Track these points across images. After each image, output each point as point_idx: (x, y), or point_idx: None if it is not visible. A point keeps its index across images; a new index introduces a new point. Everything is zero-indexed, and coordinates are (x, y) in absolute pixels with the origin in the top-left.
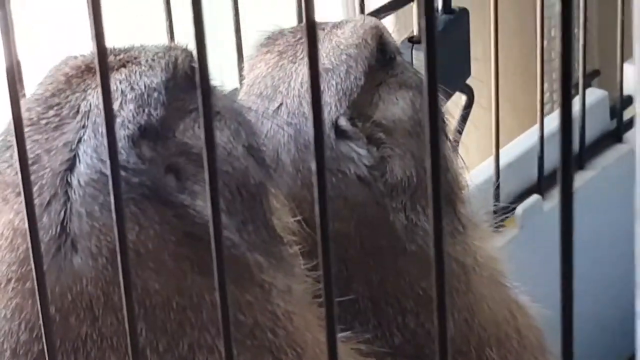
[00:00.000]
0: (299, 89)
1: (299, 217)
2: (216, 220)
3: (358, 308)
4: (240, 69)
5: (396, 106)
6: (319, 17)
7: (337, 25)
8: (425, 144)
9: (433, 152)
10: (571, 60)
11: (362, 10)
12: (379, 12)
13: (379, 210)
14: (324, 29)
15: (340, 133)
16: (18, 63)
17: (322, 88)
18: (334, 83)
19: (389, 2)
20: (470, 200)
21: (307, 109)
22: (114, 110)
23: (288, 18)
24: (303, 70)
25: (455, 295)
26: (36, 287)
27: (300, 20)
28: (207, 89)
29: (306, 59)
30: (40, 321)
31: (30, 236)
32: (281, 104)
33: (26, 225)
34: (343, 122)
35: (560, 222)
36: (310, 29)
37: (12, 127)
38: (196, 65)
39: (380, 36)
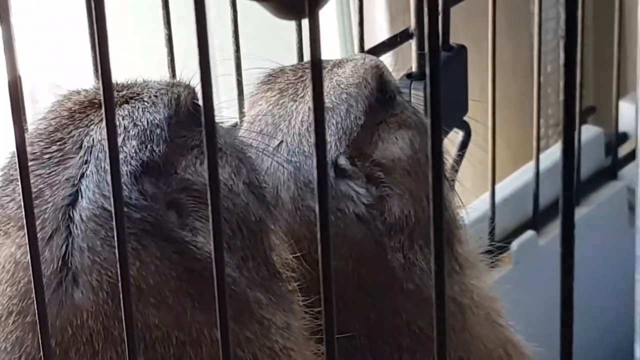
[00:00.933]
0: (299, 127)
1: (297, 254)
2: (219, 258)
3: (355, 345)
4: (241, 104)
5: (395, 145)
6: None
7: (337, 64)
8: (424, 183)
9: (435, 188)
10: (575, 84)
11: (361, 48)
12: (377, 50)
13: (377, 249)
14: (324, 67)
15: (339, 172)
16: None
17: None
18: (334, 122)
19: (387, 40)
20: (467, 238)
21: (307, 147)
22: (118, 146)
23: (289, 54)
24: (304, 108)
25: (452, 333)
26: (38, 321)
27: (300, 57)
28: (212, 127)
29: (307, 97)
30: (41, 354)
31: (33, 270)
32: (282, 142)
33: (28, 259)
34: (342, 161)
35: (561, 259)
36: (316, 68)
37: (15, 160)
38: (199, 102)
39: (381, 75)
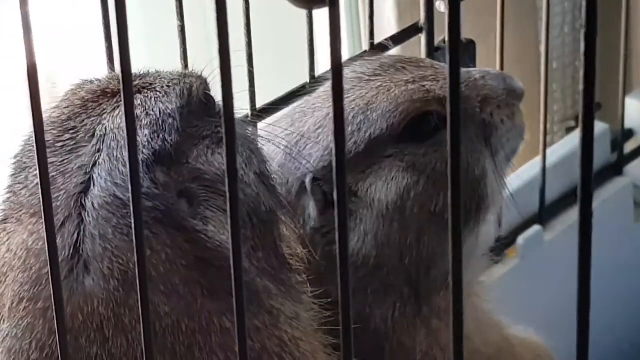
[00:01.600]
0: (308, 127)
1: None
2: (236, 249)
3: None
4: (252, 96)
5: (385, 186)
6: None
7: (401, 81)
8: (398, 233)
9: (454, 180)
10: (594, 74)
11: (370, 42)
12: (387, 44)
13: (325, 272)
14: (403, 70)
15: (302, 189)
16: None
17: (321, 138)
18: (332, 138)
19: (396, 34)
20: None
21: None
22: (136, 134)
23: (300, 46)
24: (324, 112)
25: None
26: (54, 307)
27: (311, 49)
28: (231, 114)
29: (353, 95)
30: (52, 340)
31: (49, 257)
32: (283, 203)
33: (40, 245)
34: (307, 180)
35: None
36: (336, 58)
37: (27, 148)
38: (210, 92)
39: (425, 112)
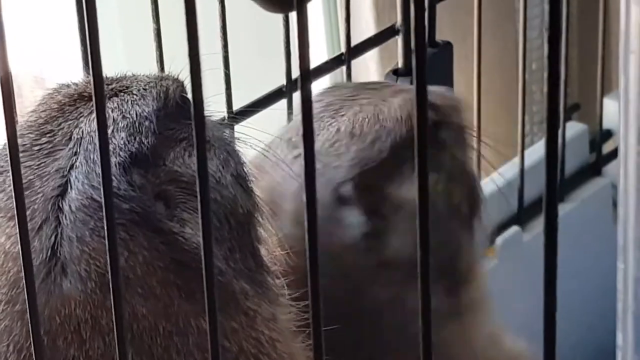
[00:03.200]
0: (320, 145)
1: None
2: (208, 249)
3: None
4: (229, 98)
5: (412, 187)
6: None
7: (394, 93)
8: (434, 230)
9: (421, 185)
10: (559, 85)
11: (347, 44)
12: (364, 46)
13: (367, 279)
14: (375, 89)
15: (341, 198)
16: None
17: (341, 151)
18: (355, 148)
19: (373, 36)
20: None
21: (319, 165)
22: (108, 138)
23: (276, 49)
24: (334, 129)
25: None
26: (28, 310)
27: (287, 51)
28: (202, 119)
29: (345, 118)
30: (29, 343)
31: (23, 260)
32: (300, 155)
33: (17, 249)
34: (346, 188)
35: (545, 250)
36: (305, 60)
37: (5, 152)
38: (187, 95)
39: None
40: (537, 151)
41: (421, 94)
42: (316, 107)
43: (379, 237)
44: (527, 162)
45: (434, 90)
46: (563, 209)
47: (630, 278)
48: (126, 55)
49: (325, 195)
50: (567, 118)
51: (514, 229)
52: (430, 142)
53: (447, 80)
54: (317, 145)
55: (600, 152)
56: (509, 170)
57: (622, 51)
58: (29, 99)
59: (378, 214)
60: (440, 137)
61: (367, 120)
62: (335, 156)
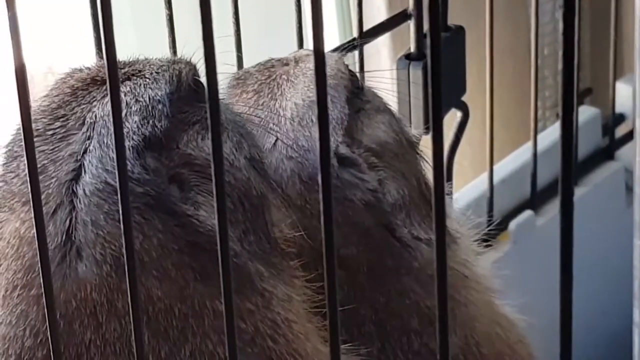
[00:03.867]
0: (290, 123)
1: (302, 232)
2: (223, 232)
3: (363, 332)
4: None
5: (379, 130)
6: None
7: (301, 59)
8: (409, 163)
9: (437, 164)
10: (573, 66)
11: (360, 29)
12: (376, 31)
13: (384, 232)
14: (287, 64)
15: (342, 161)
16: (25, 68)
17: (313, 120)
18: None
19: (385, 21)
20: (453, 214)
21: (304, 141)
22: (122, 122)
23: (288, 32)
24: (289, 104)
25: (456, 309)
26: (44, 294)
27: (300, 34)
28: (216, 102)
29: (287, 94)
30: (45, 327)
31: (39, 244)
32: (277, 140)
33: (32, 233)
34: (343, 150)
35: (561, 232)
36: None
37: (19, 137)
38: (200, 78)
39: (347, 65)
40: (549, 135)
41: (436, 76)
42: (248, 99)
43: (381, 187)
44: (539, 147)
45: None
46: (576, 192)
47: None
48: (138, 41)
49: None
50: (580, 102)
51: (528, 213)
52: (362, 91)
53: (459, 64)
54: (287, 125)
55: (613, 136)
56: (522, 154)
57: (637, 32)
58: (41, 89)
59: (370, 165)
60: (365, 87)
61: (312, 86)
62: (313, 126)
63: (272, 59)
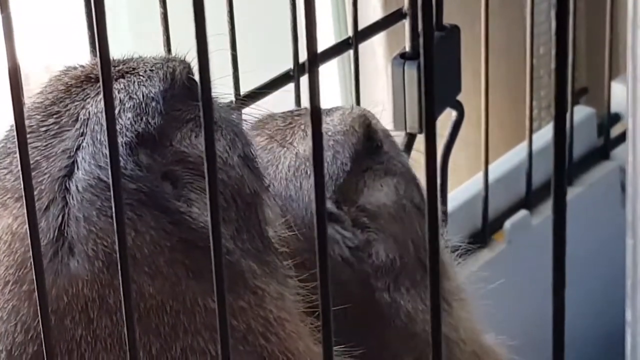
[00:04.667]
0: (285, 172)
1: (295, 232)
2: (216, 230)
3: None
4: (236, 81)
5: (380, 192)
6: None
7: (326, 113)
8: (408, 229)
9: (430, 173)
10: (566, 68)
11: (355, 28)
12: (371, 30)
13: (363, 290)
14: (304, 115)
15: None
16: (19, 68)
17: (308, 172)
18: None
19: (380, 20)
20: (455, 274)
21: (293, 191)
22: (115, 118)
23: (283, 30)
24: (291, 154)
25: None
26: (36, 290)
27: (294, 33)
28: (209, 100)
29: (295, 144)
30: (37, 322)
31: (31, 240)
32: (268, 186)
33: (25, 229)
34: (328, 205)
35: (553, 232)
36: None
37: (13, 133)
38: (194, 76)
39: (368, 125)
40: (545, 135)
41: (429, 76)
42: (261, 142)
43: (366, 248)
44: (535, 146)
45: (346, 111)
46: (571, 192)
47: None
48: (133, 39)
49: (308, 217)
50: (575, 102)
51: (523, 212)
52: (377, 152)
53: (454, 63)
54: (282, 173)
55: (608, 135)
56: (517, 154)
57: (630, 29)
58: (36, 87)
59: (359, 225)
60: (384, 147)
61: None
62: (305, 179)
63: (305, 107)
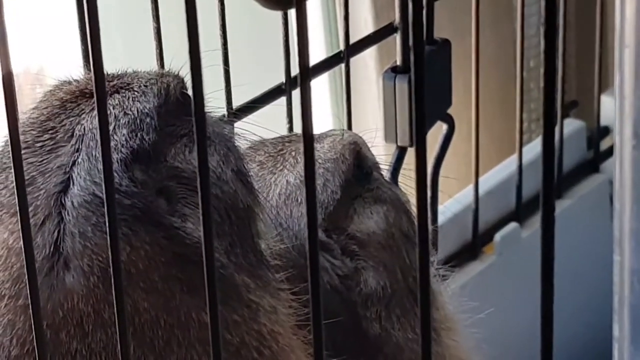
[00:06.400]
0: (276, 200)
1: (287, 245)
2: (209, 245)
3: None
4: (228, 95)
5: (370, 220)
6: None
7: (316, 139)
8: (398, 257)
9: (420, 180)
10: (554, 81)
11: (346, 42)
12: (362, 44)
13: (351, 319)
14: (296, 141)
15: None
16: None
17: (299, 200)
18: None
19: (372, 34)
20: (444, 304)
21: (283, 219)
22: (110, 135)
23: (275, 46)
24: (282, 181)
25: None
26: (30, 304)
27: (287, 48)
28: (203, 115)
29: (285, 171)
30: (32, 337)
31: (26, 255)
32: (260, 200)
33: (20, 244)
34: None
35: (542, 245)
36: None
37: (7, 149)
38: (188, 91)
39: (358, 152)
40: (535, 148)
41: (419, 88)
42: (253, 168)
43: (356, 275)
44: (525, 159)
45: (336, 138)
46: (561, 205)
47: (627, 270)
48: (126, 54)
49: (298, 245)
50: (565, 115)
51: (513, 225)
52: (367, 179)
53: (445, 76)
54: (273, 200)
55: (598, 148)
56: (508, 167)
57: (617, 46)
58: (29, 96)
59: (348, 253)
60: (374, 175)
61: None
62: (295, 206)
63: (296, 134)
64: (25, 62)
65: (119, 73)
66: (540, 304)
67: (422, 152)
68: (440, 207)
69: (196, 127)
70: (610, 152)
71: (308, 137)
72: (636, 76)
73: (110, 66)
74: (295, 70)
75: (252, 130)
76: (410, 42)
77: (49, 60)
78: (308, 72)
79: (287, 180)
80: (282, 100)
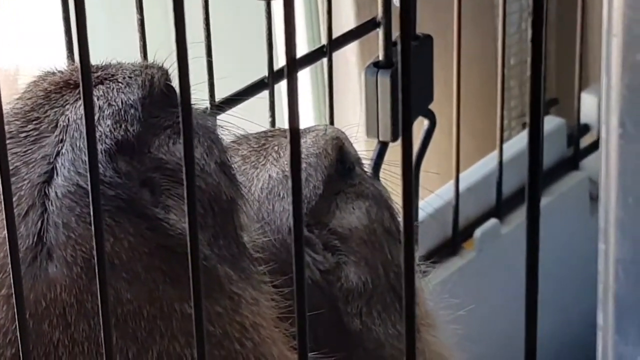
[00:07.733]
0: (258, 194)
1: (270, 238)
2: (193, 236)
3: None
4: (211, 87)
5: (352, 215)
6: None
7: (302, 134)
8: (380, 252)
9: (406, 169)
10: (541, 76)
11: (328, 37)
12: (344, 39)
13: (332, 314)
14: (286, 137)
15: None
16: None
17: (281, 195)
18: None
19: (354, 29)
20: (424, 299)
21: (265, 214)
22: (95, 125)
23: (258, 38)
24: (264, 175)
25: None
26: (14, 294)
27: (269, 40)
28: (189, 107)
29: (268, 165)
30: (14, 326)
31: (10, 246)
32: (243, 193)
33: (3, 234)
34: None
35: (527, 239)
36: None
37: None
38: (171, 82)
39: (341, 147)
40: (515, 145)
41: (406, 82)
42: (236, 162)
43: (338, 270)
44: (505, 156)
45: (319, 133)
46: (541, 202)
47: (612, 259)
48: (110, 45)
49: (281, 239)
50: (546, 112)
51: (493, 221)
52: (349, 175)
53: (427, 72)
54: (255, 195)
55: (578, 146)
56: (488, 163)
57: (604, 34)
58: (11, 91)
59: (330, 248)
60: (356, 170)
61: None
62: (277, 201)
63: (279, 128)
64: (6, 59)
65: (103, 64)
66: (525, 298)
67: (409, 146)
68: (420, 203)
69: (182, 119)
70: (590, 149)
71: (294, 128)
72: (623, 65)
73: (94, 58)
74: (277, 63)
75: (235, 122)
76: (395, 37)
77: (29, 57)
78: (295, 64)
79: (269, 175)
80: (265, 93)
